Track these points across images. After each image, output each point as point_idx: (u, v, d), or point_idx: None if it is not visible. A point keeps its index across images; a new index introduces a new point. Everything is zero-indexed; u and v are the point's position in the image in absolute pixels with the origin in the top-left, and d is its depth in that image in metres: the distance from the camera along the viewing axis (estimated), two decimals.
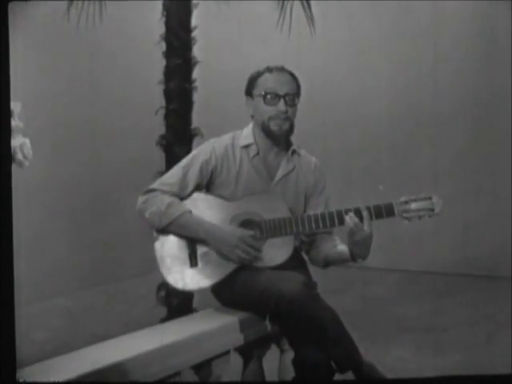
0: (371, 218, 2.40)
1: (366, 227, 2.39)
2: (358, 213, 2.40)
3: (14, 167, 1.54)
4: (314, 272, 2.78)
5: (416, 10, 6.73)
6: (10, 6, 1.72)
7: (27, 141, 1.44)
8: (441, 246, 6.68)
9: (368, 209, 2.40)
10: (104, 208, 6.40)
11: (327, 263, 2.65)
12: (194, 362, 2.29)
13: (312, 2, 4.84)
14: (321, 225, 2.44)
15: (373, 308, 5.47)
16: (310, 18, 4.70)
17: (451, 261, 6.55)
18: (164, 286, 4.85)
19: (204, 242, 2.51)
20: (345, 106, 7.15)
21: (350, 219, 2.39)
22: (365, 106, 7.10)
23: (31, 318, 5.10)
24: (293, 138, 2.74)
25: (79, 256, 6.09)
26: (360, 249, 2.45)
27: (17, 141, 1.40)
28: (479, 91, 6.55)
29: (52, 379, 1.89)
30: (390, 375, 2.49)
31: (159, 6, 4.73)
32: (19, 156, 1.39)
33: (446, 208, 7.16)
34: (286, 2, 4.69)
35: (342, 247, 2.55)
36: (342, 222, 2.42)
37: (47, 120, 5.52)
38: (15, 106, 1.53)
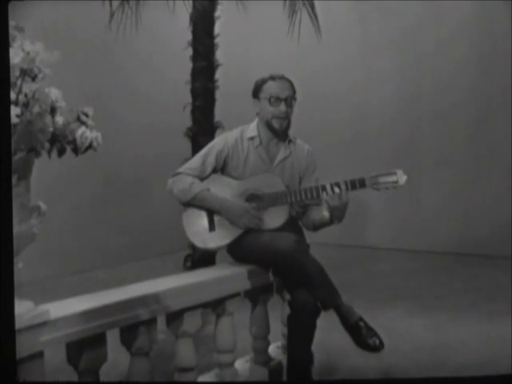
0: (347, 189, 2.90)
1: (343, 196, 2.91)
2: (338, 185, 2.90)
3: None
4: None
5: (417, 11, 7.05)
6: (10, 5, 1.77)
7: (99, 134, 2.04)
8: (443, 228, 7.10)
9: (345, 183, 2.90)
10: (139, 195, 6.94)
11: (315, 226, 3.18)
12: (211, 298, 2.87)
13: (318, 6, 5.35)
14: (309, 195, 2.95)
15: (376, 281, 5.92)
16: (317, 28, 5.21)
17: (452, 241, 6.93)
18: (189, 257, 5.44)
19: (218, 213, 3.07)
20: (350, 103, 7.55)
21: (332, 189, 2.89)
22: (369, 103, 7.49)
23: (74, 285, 5.66)
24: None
25: (116, 236, 6.69)
26: (337, 212, 2.97)
27: (93, 134, 2.02)
28: (479, 85, 6.85)
29: (102, 304, 2.35)
30: (382, 332, 2.86)
31: (187, 16, 5.31)
32: (94, 144, 2.05)
33: (448, 193, 7.50)
34: (295, 12, 5.21)
35: (325, 213, 3.07)
36: (322, 193, 2.91)
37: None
38: (89, 110, 2.14)
